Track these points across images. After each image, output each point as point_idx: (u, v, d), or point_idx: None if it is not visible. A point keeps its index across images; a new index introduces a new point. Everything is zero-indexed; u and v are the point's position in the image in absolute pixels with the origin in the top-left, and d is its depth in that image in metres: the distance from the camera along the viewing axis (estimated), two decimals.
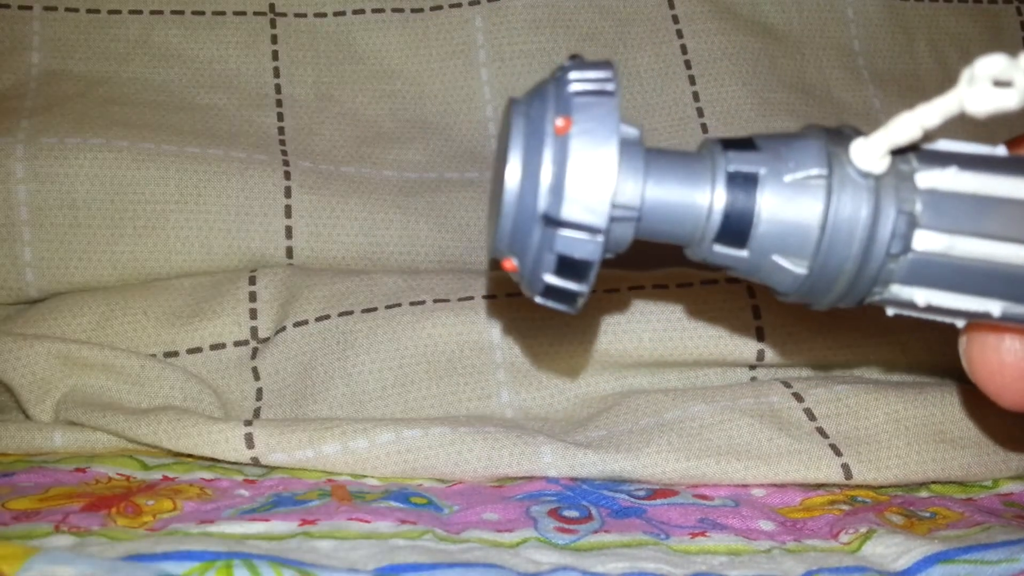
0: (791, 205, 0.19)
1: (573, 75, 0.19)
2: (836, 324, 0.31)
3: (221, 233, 0.33)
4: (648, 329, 0.31)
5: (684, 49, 0.40)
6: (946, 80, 0.41)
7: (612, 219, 0.19)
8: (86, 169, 0.32)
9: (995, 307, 0.19)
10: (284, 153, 0.35)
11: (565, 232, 0.18)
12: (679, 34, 0.40)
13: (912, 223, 0.19)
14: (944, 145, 0.19)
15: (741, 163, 0.19)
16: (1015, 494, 0.29)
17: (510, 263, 0.20)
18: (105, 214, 0.32)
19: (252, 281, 0.32)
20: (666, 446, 0.28)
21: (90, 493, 0.25)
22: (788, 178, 0.19)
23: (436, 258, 0.35)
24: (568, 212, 0.18)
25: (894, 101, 0.40)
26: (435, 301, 0.31)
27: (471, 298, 0.31)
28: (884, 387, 0.30)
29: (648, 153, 0.19)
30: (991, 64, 0.17)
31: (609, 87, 0.19)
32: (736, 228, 0.19)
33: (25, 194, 0.32)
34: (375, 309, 0.31)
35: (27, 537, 0.22)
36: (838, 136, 0.19)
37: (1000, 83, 0.17)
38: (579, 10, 0.39)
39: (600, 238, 0.18)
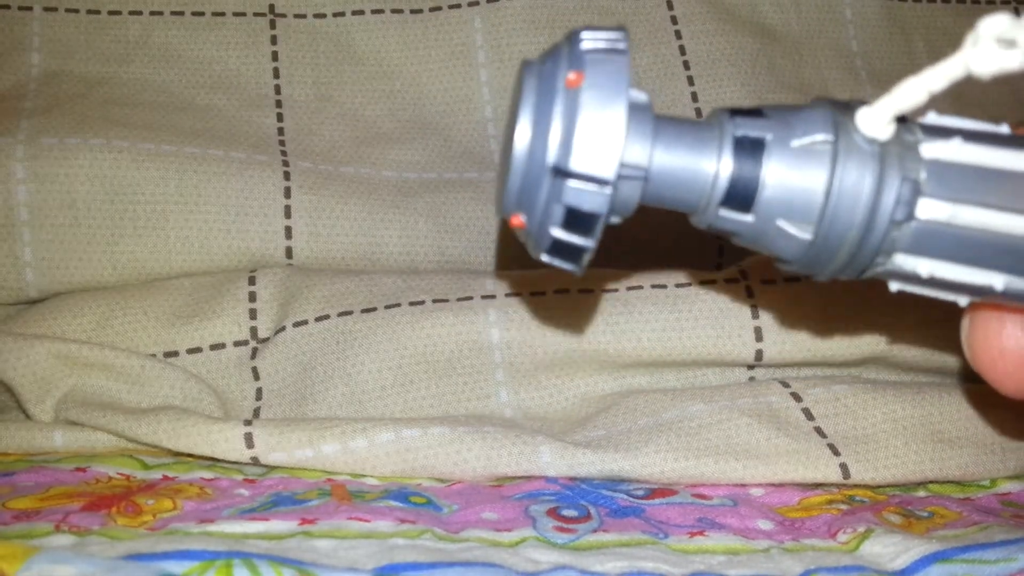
0: (797, 170, 0.19)
1: (585, 34, 0.19)
2: (835, 324, 0.31)
3: (221, 233, 0.33)
4: (647, 329, 0.31)
5: (683, 50, 0.40)
6: None
7: (620, 176, 0.19)
8: (86, 169, 0.32)
9: (998, 280, 0.19)
10: (284, 153, 0.35)
11: (573, 183, 0.18)
12: (678, 35, 0.40)
13: (916, 191, 0.19)
14: (948, 120, 0.20)
15: (748, 128, 0.19)
16: (1013, 494, 0.29)
17: (518, 219, 0.20)
18: (105, 214, 0.32)
19: (252, 281, 0.32)
20: (664, 446, 0.28)
21: (90, 493, 0.25)
22: (795, 144, 0.19)
23: (435, 258, 0.35)
24: (577, 163, 0.18)
25: None
26: (434, 301, 0.31)
27: (470, 298, 0.32)
28: (882, 387, 0.30)
29: (657, 118, 0.20)
30: (995, 24, 0.17)
31: (621, 46, 0.19)
32: (742, 192, 0.19)
33: (25, 194, 0.32)
34: (374, 309, 0.31)
35: (27, 536, 0.22)
36: (845, 107, 0.19)
37: (1004, 42, 0.17)
38: (578, 11, 0.39)
39: (608, 190, 0.18)
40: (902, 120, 0.19)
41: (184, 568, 0.21)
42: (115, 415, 0.28)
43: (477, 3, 0.39)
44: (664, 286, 0.32)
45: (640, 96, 0.19)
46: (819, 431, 0.29)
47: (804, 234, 0.19)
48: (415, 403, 0.30)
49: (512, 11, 0.39)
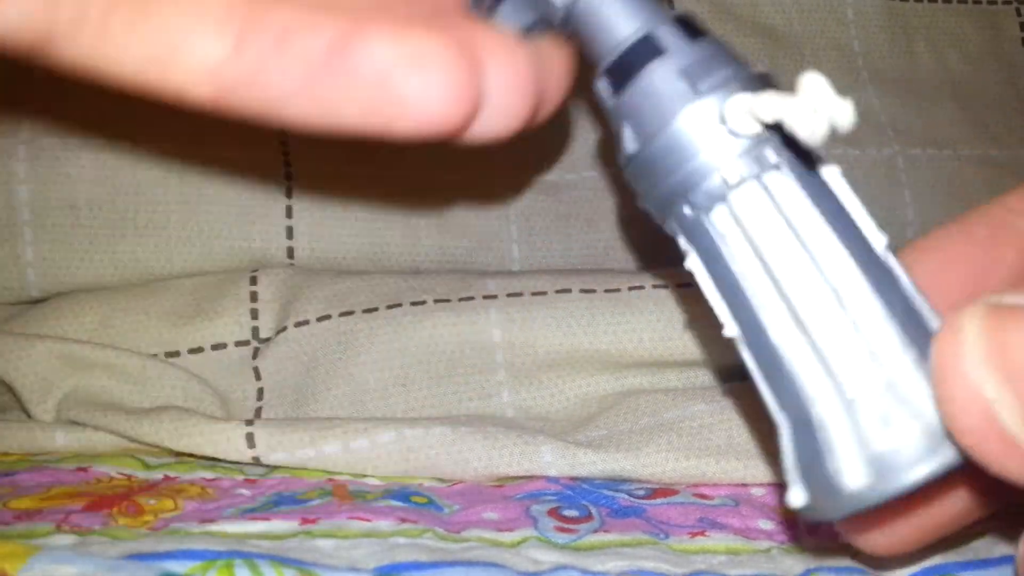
0: (663, 93, 0.19)
1: None
2: None
3: (222, 233, 0.33)
4: (648, 329, 0.31)
5: None
6: (945, 80, 0.41)
7: None
8: (87, 169, 0.32)
9: (732, 328, 0.20)
10: (285, 153, 0.35)
11: None
12: None
13: (723, 194, 0.19)
14: (828, 170, 0.20)
15: (666, 36, 0.20)
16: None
17: None
18: (106, 214, 0.32)
19: (253, 281, 0.32)
20: (666, 445, 0.28)
21: (92, 492, 0.25)
22: (681, 73, 0.19)
23: (437, 258, 0.35)
24: None
25: (893, 101, 0.40)
26: (436, 301, 0.31)
27: (472, 298, 0.31)
28: None
29: None
30: (811, 83, 0.18)
31: None
32: (620, 72, 0.20)
33: (27, 194, 0.32)
34: (376, 309, 0.31)
35: (29, 536, 0.22)
36: (758, 81, 0.20)
37: (752, 116, 0.19)
38: None
39: None
40: (797, 146, 0.19)
41: (185, 568, 0.21)
42: (116, 415, 0.28)
43: None
44: (666, 286, 0.32)
45: None
46: None
47: (632, 145, 0.20)
48: (417, 403, 0.30)
49: None
